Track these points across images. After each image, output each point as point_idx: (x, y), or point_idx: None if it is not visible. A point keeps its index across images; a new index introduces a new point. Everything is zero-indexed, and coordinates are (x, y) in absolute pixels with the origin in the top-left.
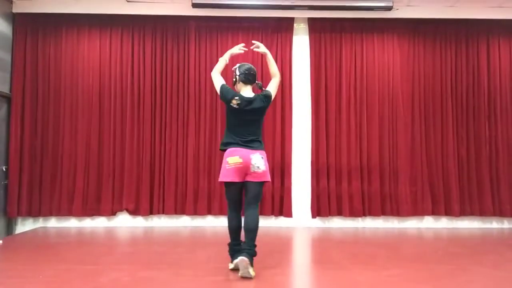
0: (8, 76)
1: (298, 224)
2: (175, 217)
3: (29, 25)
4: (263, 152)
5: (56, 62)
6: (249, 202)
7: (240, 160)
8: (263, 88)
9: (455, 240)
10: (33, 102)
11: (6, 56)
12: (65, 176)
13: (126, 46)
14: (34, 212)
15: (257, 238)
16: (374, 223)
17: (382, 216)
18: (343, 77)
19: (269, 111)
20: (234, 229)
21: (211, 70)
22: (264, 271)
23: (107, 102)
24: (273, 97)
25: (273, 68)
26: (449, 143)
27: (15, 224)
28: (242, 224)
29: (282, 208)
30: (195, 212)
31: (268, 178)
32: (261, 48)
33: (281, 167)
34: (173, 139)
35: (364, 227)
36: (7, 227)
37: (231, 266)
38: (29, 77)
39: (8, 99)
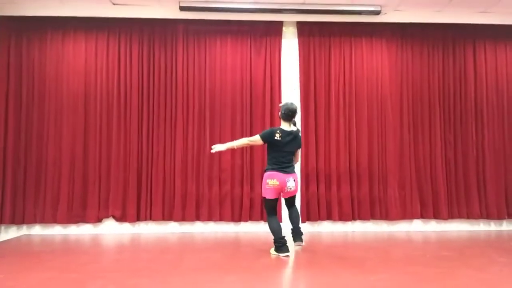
0: None
1: (288, 229)
2: (162, 223)
3: (13, 28)
4: (295, 175)
5: (41, 66)
6: (289, 206)
7: (277, 183)
8: (296, 126)
9: (444, 243)
10: (16, 107)
11: None
12: (49, 182)
13: (112, 49)
14: (18, 220)
15: (247, 242)
16: (364, 226)
17: (371, 220)
18: (332, 81)
19: (258, 114)
20: (278, 228)
21: (199, 74)
22: (253, 276)
23: (92, 106)
24: (299, 151)
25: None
26: (437, 146)
27: None
28: (288, 220)
29: None
30: (183, 218)
31: (296, 192)
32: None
33: None
34: (160, 144)
35: (353, 231)
36: None
37: (275, 254)
38: (13, 81)
39: None
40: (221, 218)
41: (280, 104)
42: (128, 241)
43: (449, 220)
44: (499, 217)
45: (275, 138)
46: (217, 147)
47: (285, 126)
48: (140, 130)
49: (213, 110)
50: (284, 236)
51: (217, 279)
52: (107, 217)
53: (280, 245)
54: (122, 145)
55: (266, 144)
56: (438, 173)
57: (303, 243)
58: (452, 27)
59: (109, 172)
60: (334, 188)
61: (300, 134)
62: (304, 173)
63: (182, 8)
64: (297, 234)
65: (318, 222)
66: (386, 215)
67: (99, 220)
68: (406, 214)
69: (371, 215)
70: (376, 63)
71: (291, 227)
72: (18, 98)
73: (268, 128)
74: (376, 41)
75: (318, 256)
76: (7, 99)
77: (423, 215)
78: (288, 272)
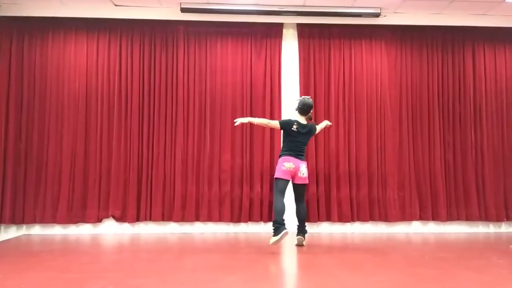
0: None
1: (287, 230)
2: (162, 224)
3: (15, 29)
4: (306, 163)
5: (42, 66)
6: (298, 199)
7: (293, 166)
8: (312, 120)
9: (442, 245)
10: (17, 107)
11: None
12: (49, 182)
13: (113, 50)
14: (18, 219)
15: (247, 243)
16: (363, 228)
17: (370, 221)
18: (331, 82)
19: (258, 116)
20: (281, 209)
21: (199, 75)
22: (253, 277)
23: (93, 107)
24: (316, 129)
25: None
26: (436, 148)
27: None
28: (295, 216)
29: (271, 213)
30: (183, 218)
31: (307, 181)
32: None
33: (270, 172)
34: (161, 144)
35: (352, 232)
36: None
37: (275, 239)
38: (14, 81)
39: None
40: (220, 219)
41: (297, 98)
42: (127, 241)
43: (448, 222)
44: (498, 219)
45: (292, 128)
46: (240, 120)
47: (301, 119)
48: (141, 131)
49: (213, 111)
50: (284, 220)
51: (216, 279)
52: (107, 217)
53: (279, 225)
54: (122, 145)
55: (281, 131)
56: (437, 175)
57: (303, 243)
58: (452, 29)
59: (109, 172)
60: (333, 189)
61: (315, 127)
62: None
63: (183, 10)
64: (300, 231)
65: (317, 223)
66: (385, 217)
67: (99, 220)
68: (405, 216)
69: (370, 217)
70: (376, 65)
71: (297, 224)
72: (19, 98)
73: (286, 119)
74: (376, 43)
75: (317, 257)
76: (8, 99)
77: (422, 217)
78: (287, 273)
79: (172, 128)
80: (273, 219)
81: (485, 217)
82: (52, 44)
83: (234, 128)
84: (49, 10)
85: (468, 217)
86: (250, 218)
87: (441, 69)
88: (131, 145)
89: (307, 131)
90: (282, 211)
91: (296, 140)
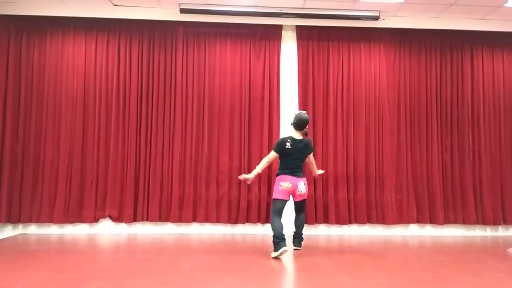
0: None
1: (284, 231)
2: (159, 224)
3: (13, 27)
4: (305, 179)
5: (40, 66)
6: (298, 210)
7: (290, 185)
8: (307, 136)
9: (440, 248)
10: (15, 106)
11: None
12: (46, 181)
13: (112, 50)
14: (14, 219)
15: (244, 245)
16: (360, 230)
17: (367, 224)
18: (330, 85)
19: (257, 118)
20: (280, 230)
21: (198, 76)
22: (250, 278)
23: (91, 107)
24: (311, 155)
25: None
26: (434, 151)
27: None
28: (293, 224)
29: (269, 215)
30: (180, 219)
31: (306, 196)
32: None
33: (268, 174)
34: (158, 145)
35: (350, 235)
36: None
37: (275, 254)
38: (11, 80)
39: None
40: (218, 220)
41: (293, 113)
42: (124, 241)
43: (445, 225)
44: (495, 222)
45: (286, 146)
46: (246, 176)
47: (295, 135)
48: (139, 131)
49: (211, 112)
50: (283, 235)
51: (213, 280)
52: (103, 217)
53: (279, 240)
54: (120, 145)
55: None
56: (435, 178)
57: (300, 249)
58: (450, 33)
59: (106, 172)
60: (331, 191)
61: (311, 142)
62: None
63: (182, 10)
64: (297, 240)
65: (315, 225)
66: (382, 219)
67: (95, 220)
68: (402, 219)
69: (368, 219)
70: (374, 68)
71: (294, 230)
72: (16, 98)
73: (279, 139)
74: (375, 46)
75: (315, 259)
76: (6, 98)
77: (419, 220)
78: (284, 275)
79: (170, 128)
80: (272, 236)
81: (482, 221)
82: (51, 43)
83: (232, 129)
84: (48, 9)
85: (465, 221)
86: (247, 220)
87: (439, 72)
88: (128, 146)
89: (302, 146)
90: (280, 228)
91: (291, 157)
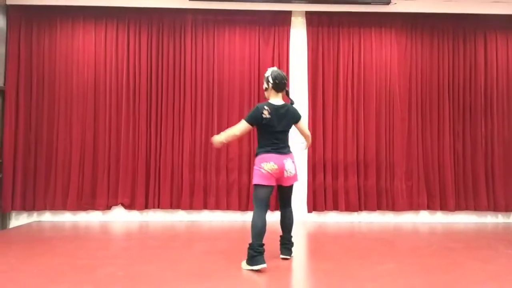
0: (2, 69)
1: (294, 218)
2: (170, 212)
3: (23, 17)
4: (292, 155)
5: (51, 55)
6: (285, 204)
7: (276, 167)
8: (290, 97)
9: (450, 235)
10: (27, 95)
11: (0, 49)
12: (59, 170)
13: (121, 39)
14: (28, 207)
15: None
16: (370, 217)
17: (377, 211)
18: (340, 71)
19: None
20: (261, 229)
21: (207, 64)
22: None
23: (102, 95)
24: (301, 122)
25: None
26: (445, 138)
27: (9, 219)
28: (280, 225)
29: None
30: (191, 206)
31: (297, 179)
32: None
33: None
34: (168, 133)
35: (359, 222)
36: (1, 221)
37: (248, 267)
38: (23, 70)
39: (2, 92)
40: (228, 207)
41: (266, 73)
42: (136, 228)
43: (456, 212)
44: (507, 209)
45: (263, 116)
46: (215, 141)
47: (275, 99)
48: (149, 119)
49: (221, 100)
50: (263, 245)
51: (224, 266)
52: (116, 204)
53: (255, 254)
54: (131, 134)
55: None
56: (446, 165)
57: (291, 257)
58: (463, 17)
59: (118, 161)
60: (341, 178)
61: (293, 105)
62: (311, 163)
63: None
64: (286, 245)
65: (325, 212)
66: (392, 206)
67: (108, 207)
68: (412, 205)
69: (378, 206)
70: (385, 53)
71: (281, 234)
72: (28, 87)
73: (249, 115)
74: (386, 31)
75: (325, 246)
76: (18, 88)
77: (429, 207)
78: (294, 260)
79: (180, 116)
80: (249, 242)
81: (494, 207)
82: (61, 33)
83: (241, 116)
84: None
85: (477, 207)
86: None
87: (452, 58)
88: (139, 134)
89: (284, 113)
90: (261, 232)
91: (273, 129)
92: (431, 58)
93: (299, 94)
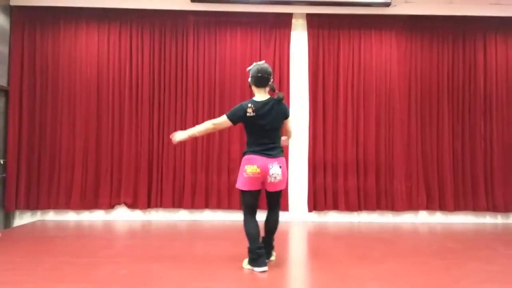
0: (5, 69)
1: (294, 218)
2: (172, 211)
3: (27, 18)
4: (282, 159)
5: (54, 56)
6: (271, 207)
7: (258, 170)
8: (276, 91)
9: (449, 235)
10: (31, 95)
11: (4, 49)
12: (63, 169)
13: (124, 40)
14: (32, 206)
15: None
16: (369, 217)
17: (377, 211)
18: (340, 73)
19: None
20: (254, 234)
21: (209, 65)
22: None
23: (105, 96)
24: (288, 120)
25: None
26: (445, 139)
27: (13, 218)
28: (263, 225)
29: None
30: (193, 206)
31: (283, 186)
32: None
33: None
34: (171, 133)
35: (359, 222)
36: (5, 220)
37: (249, 267)
38: (27, 70)
39: (5, 92)
40: (229, 207)
41: (248, 68)
42: (139, 227)
43: (455, 212)
44: (506, 210)
45: (248, 115)
46: (178, 136)
47: (259, 95)
48: (151, 120)
49: (222, 101)
50: (262, 246)
51: (226, 265)
52: (119, 204)
53: (256, 256)
54: (133, 134)
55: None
56: (445, 165)
57: (273, 259)
58: (463, 19)
59: (121, 161)
60: (341, 178)
61: (282, 100)
62: (312, 163)
63: (194, 0)
64: (267, 250)
65: (324, 212)
66: (392, 206)
67: (111, 206)
68: (412, 206)
69: (377, 206)
70: (385, 55)
71: (263, 236)
72: (32, 88)
73: (232, 110)
74: (386, 33)
75: (325, 245)
76: (21, 88)
77: (429, 207)
78: (295, 259)
79: (182, 117)
80: (247, 246)
81: (493, 208)
82: (64, 34)
83: None
84: (61, 0)
85: (476, 208)
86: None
87: (451, 59)
88: (141, 134)
89: (269, 109)
90: (256, 236)
91: (259, 129)
92: (430, 60)
93: (300, 96)
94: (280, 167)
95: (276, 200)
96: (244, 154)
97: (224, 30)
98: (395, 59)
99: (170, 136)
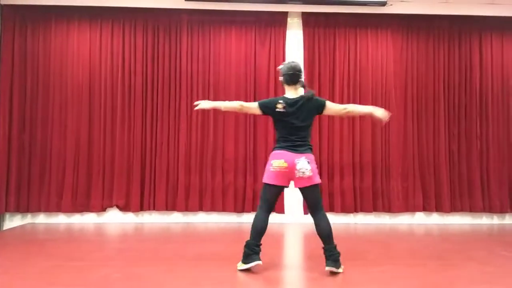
0: None
1: (290, 220)
2: (166, 214)
3: (17, 17)
4: (310, 155)
5: (45, 55)
6: (312, 208)
7: (286, 165)
8: (307, 89)
9: (446, 236)
10: (21, 96)
11: None
12: (54, 171)
13: (116, 39)
14: (22, 208)
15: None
16: (366, 219)
17: (373, 212)
18: (336, 72)
19: None
20: (259, 230)
21: (203, 64)
22: (256, 266)
23: (97, 96)
24: (327, 106)
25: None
26: (441, 139)
27: (3, 220)
28: (316, 234)
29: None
30: (186, 208)
31: (317, 180)
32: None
33: None
34: (164, 134)
35: (355, 223)
36: None
37: (243, 267)
38: (17, 70)
39: None
40: (224, 209)
41: (279, 67)
42: (131, 230)
43: (452, 213)
44: (502, 210)
45: (277, 110)
46: (202, 104)
47: (289, 93)
48: (144, 120)
49: (216, 100)
50: (260, 245)
51: (220, 268)
52: (111, 206)
53: (251, 253)
54: (126, 135)
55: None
56: (441, 166)
57: (341, 270)
58: (459, 19)
59: (113, 162)
60: (336, 179)
61: (313, 97)
62: None
63: None
64: (330, 256)
65: None
66: (388, 208)
67: (103, 209)
68: (408, 207)
69: (374, 207)
70: (381, 54)
71: (322, 244)
72: (22, 88)
73: (264, 100)
74: (382, 32)
75: (320, 248)
76: (12, 88)
77: (425, 208)
78: (290, 262)
79: (175, 117)
80: (247, 240)
81: (489, 208)
82: (55, 33)
83: (237, 117)
84: None
85: (472, 208)
86: (253, 208)
87: (447, 59)
88: (134, 135)
89: (299, 106)
90: (259, 231)
91: (287, 125)
92: (426, 59)
93: None
94: (309, 162)
95: (314, 199)
96: (272, 150)
97: (218, 29)
98: (391, 58)
99: (195, 103)
